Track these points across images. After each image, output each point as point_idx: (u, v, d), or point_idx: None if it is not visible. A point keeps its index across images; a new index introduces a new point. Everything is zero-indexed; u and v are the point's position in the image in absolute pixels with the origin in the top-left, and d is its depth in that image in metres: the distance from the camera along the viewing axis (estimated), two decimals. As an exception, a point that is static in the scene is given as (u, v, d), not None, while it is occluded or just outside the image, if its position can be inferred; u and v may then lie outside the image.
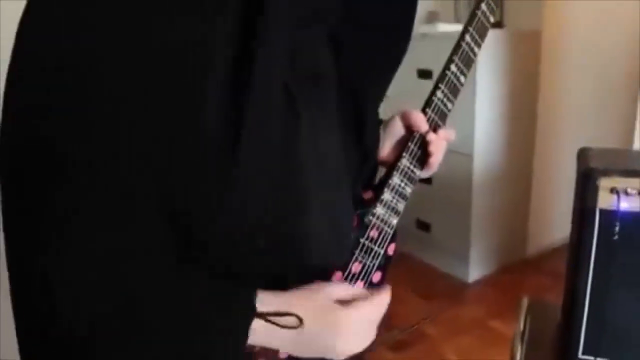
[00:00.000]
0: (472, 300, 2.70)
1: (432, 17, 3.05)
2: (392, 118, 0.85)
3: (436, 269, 2.91)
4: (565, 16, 2.75)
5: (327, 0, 0.59)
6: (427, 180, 2.84)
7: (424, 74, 2.64)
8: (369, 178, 0.83)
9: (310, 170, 0.57)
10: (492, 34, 2.58)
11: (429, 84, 2.71)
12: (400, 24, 0.73)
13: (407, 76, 2.64)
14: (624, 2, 2.74)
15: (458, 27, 2.60)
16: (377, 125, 0.84)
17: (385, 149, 0.84)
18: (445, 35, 2.60)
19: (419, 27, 2.83)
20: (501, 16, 2.79)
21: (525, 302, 1.86)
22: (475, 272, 2.79)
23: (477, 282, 2.79)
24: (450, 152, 2.84)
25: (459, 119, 2.60)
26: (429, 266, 2.94)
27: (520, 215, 2.93)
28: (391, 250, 0.81)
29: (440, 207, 2.84)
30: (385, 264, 0.80)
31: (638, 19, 2.07)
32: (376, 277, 0.79)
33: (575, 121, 2.93)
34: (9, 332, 0.62)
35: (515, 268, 2.91)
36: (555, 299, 1.52)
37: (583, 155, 1.53)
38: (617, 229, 1.30)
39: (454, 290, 2.76)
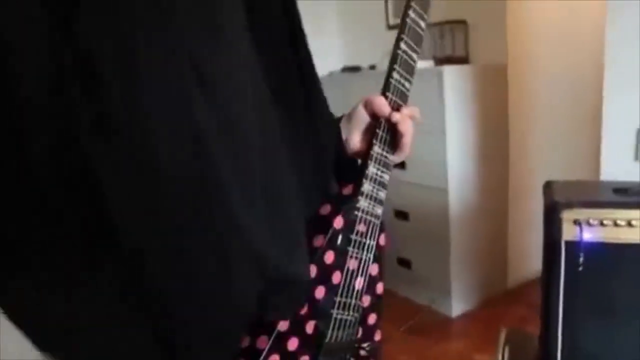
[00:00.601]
0: (456, 334, 2.68)
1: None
2: (355, 108, 0.84)
3: (420, 305, 2.90)
4: (530, 49, 2.82)
5: None
6: (405, 217, 2.86)
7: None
8: (351, 173, 0.81)
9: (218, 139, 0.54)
10: (458, 69, 2.65)
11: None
12: None
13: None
14: (586, 35, 2.82)
15: (427, 64, 2.66)
16: (333, 122, 0.84)
17: (355, 140, 0.83)
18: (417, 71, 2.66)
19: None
20: (467, 52, 2.86)
21: (503, 333, 1.87)
22: (458, 306, 2.78)
23: (461, 317, 2.78)
24: (424, 187, 2.86)
25: (431, 154, 2.63)
26: (413, 302, 2.93)
27: (499, 247, 2.94)
28: (382, 240, 0.80)
29: (419, 243, 2.84)
30: (380, 255, 0.80)
31: (600, 51, 2.14)
32: (374, 270, 0.79)
33: (546, 152, 2.98)
34: (9, 332, 0.62)
35: (498, 300, 2.90)
36: (537, 329, 1.53)
37: (548, 188, 1.57)
38: (581, 259, 1.33)
39: (438, 325, 2.74)
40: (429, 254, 2.81)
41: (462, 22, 2.81)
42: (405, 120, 0.79)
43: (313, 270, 0.71)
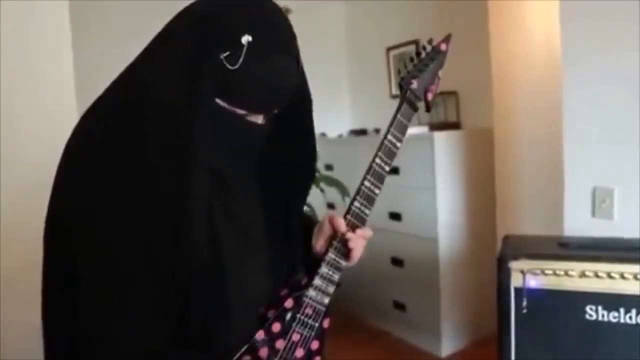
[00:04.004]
0: (445, 374, 2.92)
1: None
2: (323, 220, 1.09)
3: (413, 346, 3.15)
4: (513, 114, 3.13)
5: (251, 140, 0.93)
6: (400, 264, 3.15)
7: (393, 170, 3.00)
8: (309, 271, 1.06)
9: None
10: (448, 134, 2.97)
11: (397, 179, 3.18)
12: (308, 155, 1.06)
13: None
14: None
15: (422, 129, 2.98)
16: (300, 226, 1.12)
17: (320, 245, 1.07)
18: (410, 136, 3.00)
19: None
20: (458, 118, 3.20)
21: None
22: (447, 347, 3.03)
23: (450, 357, 3.02)
24: (417, 237, 3.16)
25: (422, 207, 2.95)
26: (406, 343, 3.18)
27: (487, 291, 3.19)
28: (326, 323, 1.02)
29: (413, 287, 3.13)
30: (322, 335, 1.02)
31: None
32: (314, 345, 1.01)
33: (529, 206, 3.24)
34: (9, 332, 0.83)
35: (487, 342, 3.12)
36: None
37: (504, 241, 1.87)
38: (524, 303, 1.61)
39: (428, 365, 2.99)
40: (421, 298, 3.09)
41: (454, 93, 3.18)
42: (356, 239, 1.02)
43: (261, 334, 0.95)
